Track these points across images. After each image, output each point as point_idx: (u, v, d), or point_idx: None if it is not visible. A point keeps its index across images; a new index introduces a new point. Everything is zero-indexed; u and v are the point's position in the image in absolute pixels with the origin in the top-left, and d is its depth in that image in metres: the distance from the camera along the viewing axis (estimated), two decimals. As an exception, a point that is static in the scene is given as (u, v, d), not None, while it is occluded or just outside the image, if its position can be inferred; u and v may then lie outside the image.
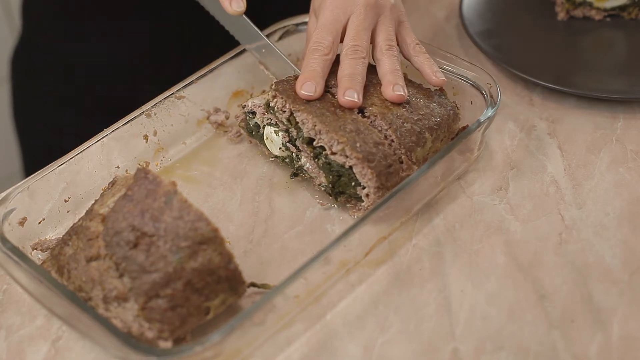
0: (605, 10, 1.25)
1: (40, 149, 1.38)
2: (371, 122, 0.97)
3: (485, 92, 1.03)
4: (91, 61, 1.29)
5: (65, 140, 1.09)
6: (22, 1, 1.35)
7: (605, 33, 1.24)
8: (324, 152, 0.97)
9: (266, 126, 1.03)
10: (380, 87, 1.01)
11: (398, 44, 1.04)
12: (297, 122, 0.98)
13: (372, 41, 1.03)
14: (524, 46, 1.21)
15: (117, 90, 1.30)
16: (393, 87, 0.99)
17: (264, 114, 1.02)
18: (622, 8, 1.25)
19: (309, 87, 0.98)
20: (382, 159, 0.95)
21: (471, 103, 1.05)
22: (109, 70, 1.30)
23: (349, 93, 0.97)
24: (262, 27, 1.13)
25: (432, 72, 1.03)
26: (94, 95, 1.31)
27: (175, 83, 1.08)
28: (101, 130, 1.02)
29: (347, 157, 0.95)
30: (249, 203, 1.02)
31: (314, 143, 0.97)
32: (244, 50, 1.11)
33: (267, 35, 1.11)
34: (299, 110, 0.97)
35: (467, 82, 1.05)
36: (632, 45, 1.22)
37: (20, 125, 1.42)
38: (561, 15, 1.26)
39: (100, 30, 1.27)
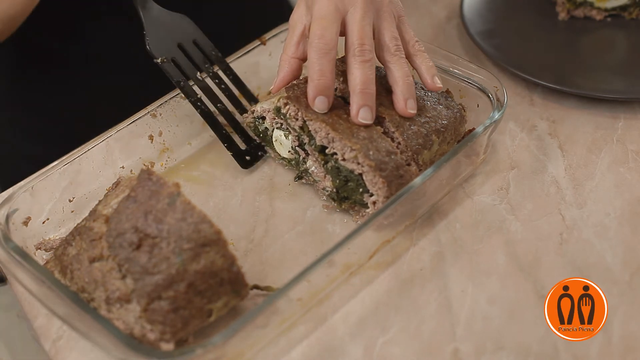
0: (606, 10, 1.25)
1: (11, 174, 1.35)
2: (384, 130, 0.97)
3: (491, 95, 1.03)
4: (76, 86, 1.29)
5: (29, 167, 1.07)
6: None
7: (606, 33, 1.24)
8: (334, 157, 0.96)
9: (275, 129, 1.03)
10: (386, 90, 0.99)
11: None
12: (309, 130, 0.97)
13: (375, 38, 0.99)
14: (525, 46, 1.21)
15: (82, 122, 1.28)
16: (406, 102, 0.97)
17: (274, 119, 1.02)
18: (623, 8, 1.25)
19: (321, 104, 0.96)
20: (394, 169, 0.94)
21: (477, 106, 1.05)
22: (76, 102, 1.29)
23: (364, 114, 0.95)
24: (267, 30, 1.13)
25: (429, 76, 1.00)
26: (62, 124, 1.30)
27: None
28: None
29: (359, 164, 0.94)
30: (250, 203, 1.02)
31: (327, 150, 0.96)
32: (250, 51, 1.11)
33: (272, 38, 1.11)
34: (311, 120, 0.96)
35: (474, 85, 1.05)
36: (633, 45, 1.22)
37: None
38: (562, 15, 1.26)
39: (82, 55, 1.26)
